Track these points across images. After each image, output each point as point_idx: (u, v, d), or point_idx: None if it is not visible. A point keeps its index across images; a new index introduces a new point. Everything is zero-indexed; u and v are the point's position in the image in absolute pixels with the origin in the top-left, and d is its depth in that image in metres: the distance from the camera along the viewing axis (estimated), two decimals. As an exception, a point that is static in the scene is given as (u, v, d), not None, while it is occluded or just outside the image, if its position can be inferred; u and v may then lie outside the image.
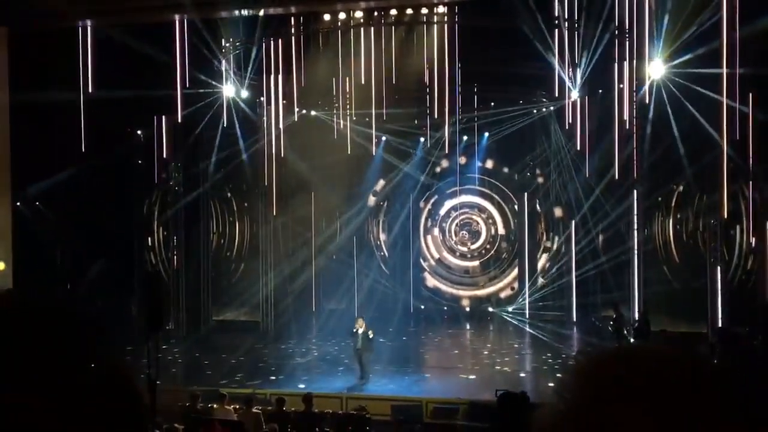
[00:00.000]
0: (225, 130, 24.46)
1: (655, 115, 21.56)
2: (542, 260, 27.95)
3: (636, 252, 23.39)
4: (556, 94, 23.53)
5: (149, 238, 26.25)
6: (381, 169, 28.11)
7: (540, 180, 27.16)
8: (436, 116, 25.52)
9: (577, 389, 1.33)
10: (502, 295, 28.60)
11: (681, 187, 23.67)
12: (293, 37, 23.05)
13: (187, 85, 22.44)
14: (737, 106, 19.59)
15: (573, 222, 25.71)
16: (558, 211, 26.97)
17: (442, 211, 29.42)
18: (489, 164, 28.41)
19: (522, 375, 19.57)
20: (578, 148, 24.32)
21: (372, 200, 28.99)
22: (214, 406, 14.80)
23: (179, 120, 23.32)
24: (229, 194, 27.35)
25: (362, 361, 18.21)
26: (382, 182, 28.77)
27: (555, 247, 27.46)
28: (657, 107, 21.41)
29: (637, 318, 21.09)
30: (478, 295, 28.88)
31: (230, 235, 27.55)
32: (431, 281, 29.29)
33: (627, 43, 20.14)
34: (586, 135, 23.89)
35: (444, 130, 26.27)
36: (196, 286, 25.61)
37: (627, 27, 20.10)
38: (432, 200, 29.20)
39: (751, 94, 19.50)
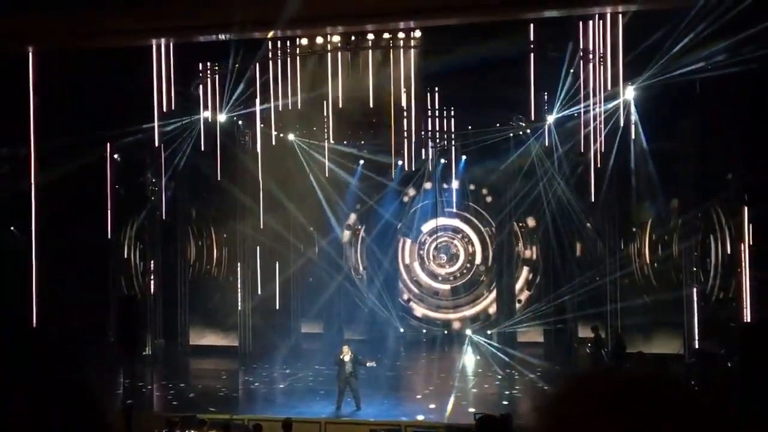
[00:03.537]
0: (202, 154, 24.41)
1: (629, 138, 21.85)
2: (524, 273, 28.05)
3: (612, 273, 23.56)
4: (533, 118, 23.70)
5: (126, 262, 26.08)
6: (359, 192, 28.16)
7: (518, 200, 27.22)
8: (413, 140, 25.60)
9: (554, 411, 1.34)
10: (482, 317, 28.65)
11: (656, 208, 23.89)
12: (270, 62, 23.07)
13: (164, 109, 22.39)
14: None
15: (549, 243, 25.84)
16: (531, 221, 27.18)
17: (420, 235, 29.48)
18: (467, 187, 28.53)
19: (500, 397, 19.55)
20: (556, 168, 24.55)
21: (347, 234, 29.03)
22: (192, 432, 14.67)
23: (156, 144, 23.26)
24: (206, 218, 27.26)
25: (353, 387, 17.88)
26: (354, 216, 28.88)
27: (534, 257, 27.60)
28: (633, 130, 21.71)
29: (612, 340, 21.22)
30: (457, 318, 28.90)
31: (207, 258, 27.44)
32: (416, 307, 29.32)
33: (601, 67, 20.34)
34: (563, 158, 24.21)
35: (422, 153, 26.40)
36: (173, 310, 25.45)
37: (601, 51, 20.31)
38: (409, 224, 29.24)
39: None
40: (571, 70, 21.04)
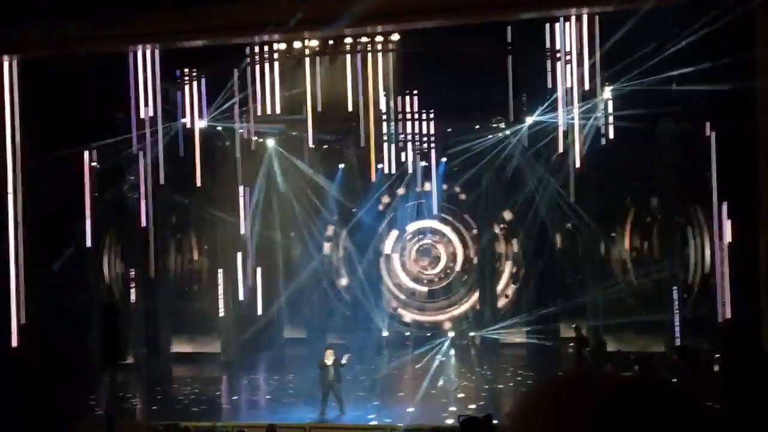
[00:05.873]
0: (182, 160, 24.26)
1: (607, 139, 22.00)
2: (507, 267, 28.02)
3: (594, 273, 23.69)
4: (512, 119, 23.79)
5: (106, 270, 25.93)
6: (340, 196, 28.08)
7: (497, 200, 27.22)
8: (393, 143, 25.62)
9: (528, 416, 1.34)
10: (471, 315, 28.58)
11: (636, 207, 24.06)
12: (249, 67, 23.02)
13: (143, 115, 22.28)
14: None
15: (530, 236, 25.91)
16: (508, 215, 27.21)
17: (402, 238, 29.45)
18: (447, 189, 28.51)
19: (483, 398, 19.58)
20: (536, 169, 24.68)
21: (327, 247, 28.86)
22: (176, 440, 14.61)
23: (135, 151, 23.13)
24: (186, 224, 27.12)
25: (336, 392, 17.86)
26: (332, 227, 28.74)
27: (518, 250, 27.62)
28: (611, 130, 21.86)
29: (594, 340, 21.32)
30: (446, 319, 28.89)
31: (188, 265, 27.28)
32: (405, 313, 29.26)
33: (578, 68, 20.44)
34: (542, 159, 24.33)
35: (402, 157, 26.40)
36: (155, 317, 25.26)
37: (579, 52, 20.39)
38: (391, 227, 29.21)
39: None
40: (549, 72, 21.14)
